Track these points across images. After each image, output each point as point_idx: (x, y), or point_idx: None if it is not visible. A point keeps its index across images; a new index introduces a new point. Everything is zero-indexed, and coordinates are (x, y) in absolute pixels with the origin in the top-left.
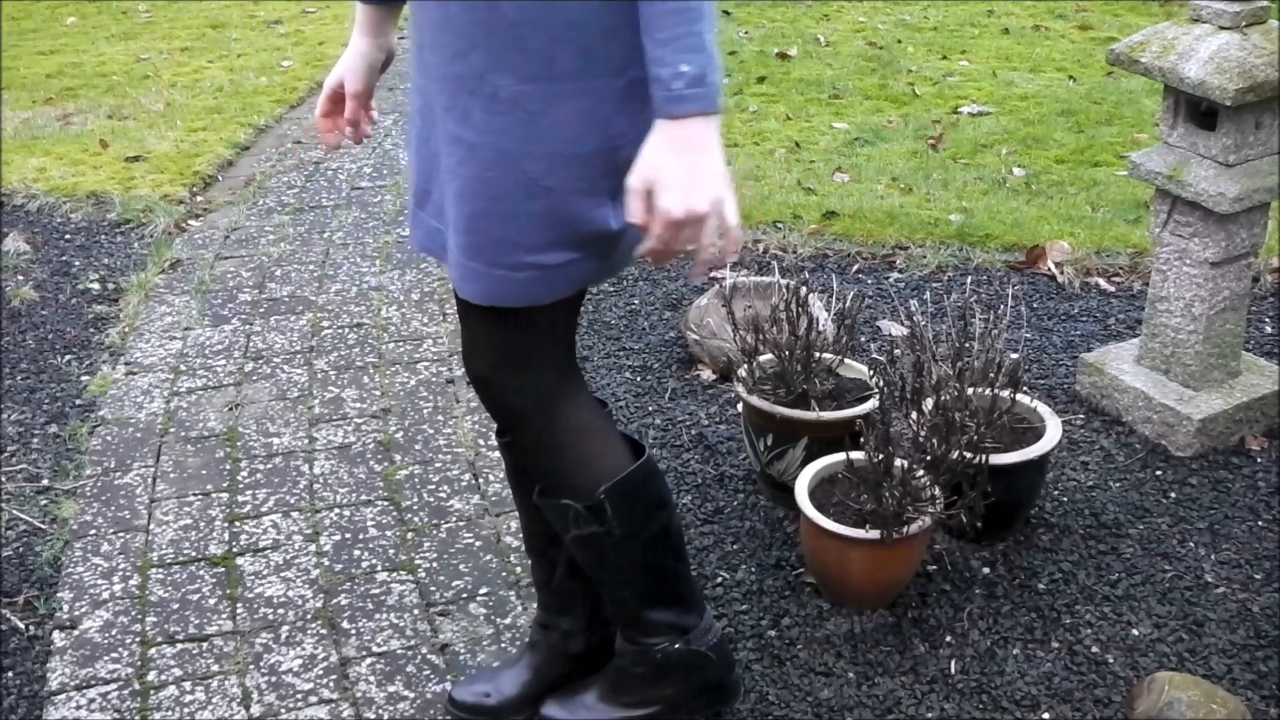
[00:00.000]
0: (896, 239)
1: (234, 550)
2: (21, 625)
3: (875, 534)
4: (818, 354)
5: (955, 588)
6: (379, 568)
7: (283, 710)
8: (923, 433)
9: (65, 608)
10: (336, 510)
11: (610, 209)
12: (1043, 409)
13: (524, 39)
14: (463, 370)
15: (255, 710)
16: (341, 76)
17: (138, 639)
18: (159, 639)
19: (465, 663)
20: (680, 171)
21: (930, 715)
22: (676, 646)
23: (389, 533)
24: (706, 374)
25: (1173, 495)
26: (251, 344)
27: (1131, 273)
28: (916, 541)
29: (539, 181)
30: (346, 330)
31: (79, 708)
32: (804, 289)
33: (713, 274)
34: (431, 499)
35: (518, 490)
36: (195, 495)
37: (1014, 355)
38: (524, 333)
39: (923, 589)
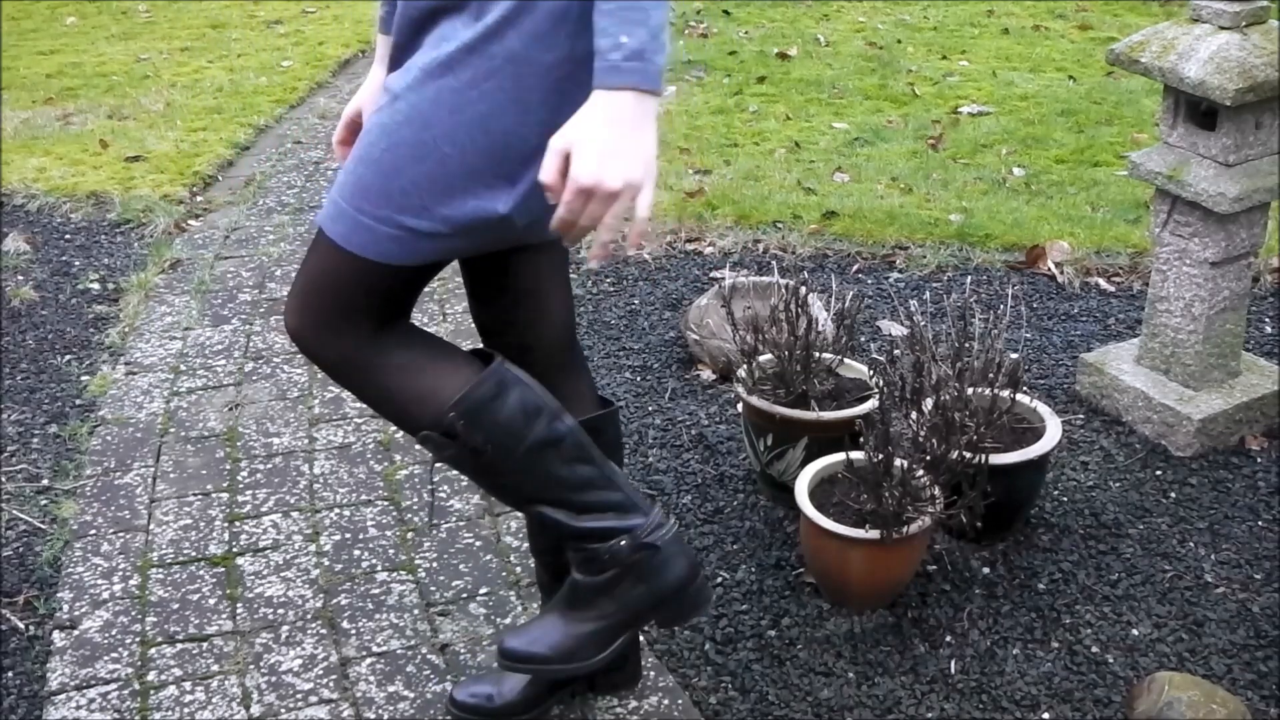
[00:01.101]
0: (896, 239)
1: (234, 550)
2: (21, 625)
3: (875, 534)
4: (817, 354)
5: (955, 588)
6: (379, 568)
7: (283, 710)
8: (923, 433)
9: (65, 608)
10: (336, 510)
11: (503, 194)
12: (1043, 409)
13: (479, 13)
14: None
15: (255, 710)
16: (360, 106)
17: (138, 639)
18: (159, 639)
19: (465, 663)
20: (601, 142)
21: (930, 715)
22: (623, 543)
23: (389, 533)
24: (706, 374)
25: (1173, 495)
26: (251, 344)
27: (1131, 273)
28: (916, 541)
29: (439, 146)
30: None
31: (79, 708)
32: (804, 289)
33: (619, 257)
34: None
35: None
36: (195, 495)
37: (1014, 355)
38: (363, 288)
39: (923, 589)
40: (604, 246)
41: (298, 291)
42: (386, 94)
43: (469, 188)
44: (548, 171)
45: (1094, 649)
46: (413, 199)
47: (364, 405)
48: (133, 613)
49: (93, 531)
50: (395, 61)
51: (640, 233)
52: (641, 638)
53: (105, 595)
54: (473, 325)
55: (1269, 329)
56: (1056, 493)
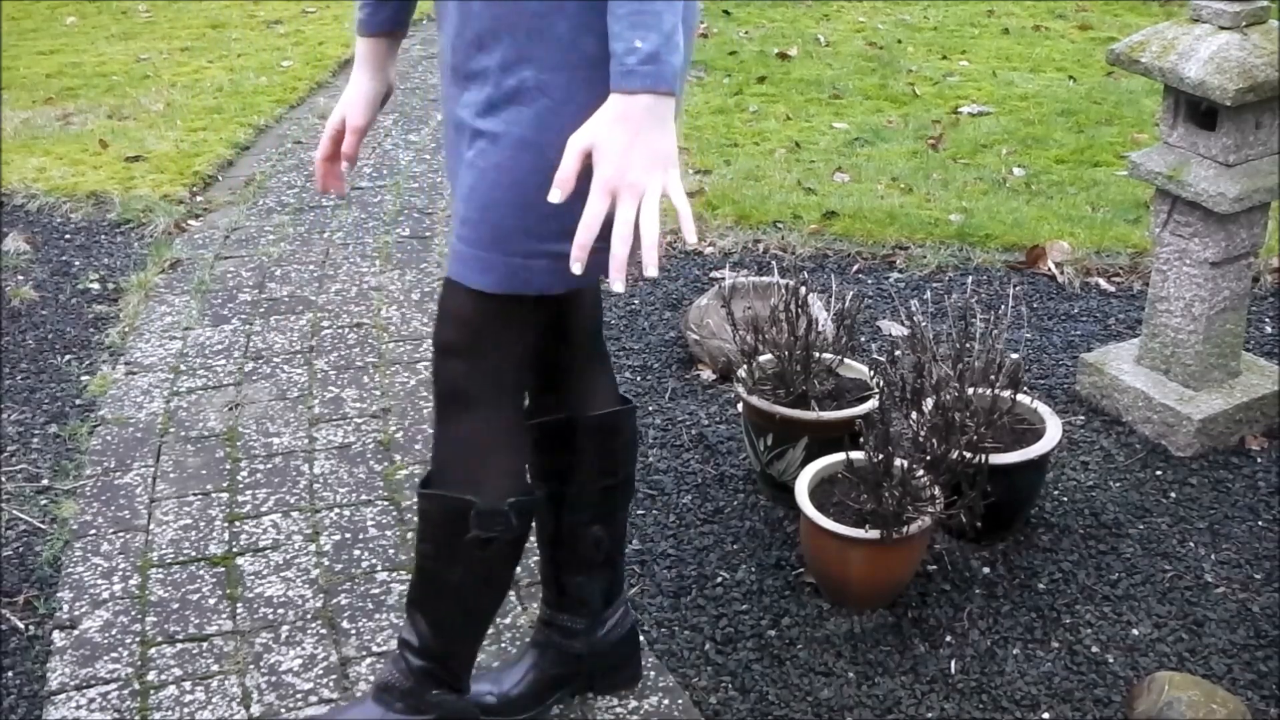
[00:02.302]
0: (896, 239)
1: (234, 550)
2: (21, 625)
3: (875, 534)
4: (817, 354)
5: (955, 588)
6: (379, 568)
7: (283, 710)
8: (923, 433)
9: (65, 608)
10: (336, 510)
11: None
12: (1043, 409)
13: (547, 29)
14: None
15: (255, 710)
16: (344, 114)
17: (138, 639)
18: (159, 639)
19: None
20: (621, 142)
21: (930, 715)
22: (451, 698)
23: (389, 533)
24: (706, 374)
25: (1173, 495)
26: (251, 344)
27: (1131, 273)
28: (916, 541)
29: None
30: (346, 330)
31: (79, 708)
32: (804, 289)
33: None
34: None
35: (536, 478)
36: (195, 495)
37: (1014, 355)
38: (512, 320)
39: (923, 589)
40: (653, 251)
41: (448, 320)
42: (484, 137)
43: None
44: (565, 168)
45: (1094, 649)
46: (553, 224)
47: (364, 405)
48: (133, 613)
49: (93, 531)
50: (456, 88)
51: (687, 219)
52: (642, 638)
53: (105, 595)
54: None
55: (1269, 329)
56: (1056, 493)
